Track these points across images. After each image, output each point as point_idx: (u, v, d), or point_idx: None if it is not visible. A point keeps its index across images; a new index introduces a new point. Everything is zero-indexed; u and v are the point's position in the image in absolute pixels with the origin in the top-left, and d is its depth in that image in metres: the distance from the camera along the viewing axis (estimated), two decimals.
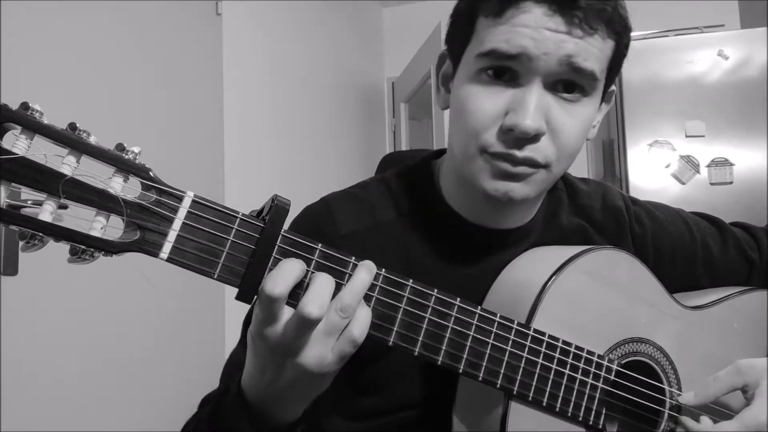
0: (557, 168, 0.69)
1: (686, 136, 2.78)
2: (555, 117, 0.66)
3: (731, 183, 2.75)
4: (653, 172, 2.81)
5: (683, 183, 2.79)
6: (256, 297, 0.54)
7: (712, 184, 2.76)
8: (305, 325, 0.52)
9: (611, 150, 3.25)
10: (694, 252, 0.88)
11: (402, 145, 3.84)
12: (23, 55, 1.42)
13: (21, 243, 0.43)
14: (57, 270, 1.47)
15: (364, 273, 0.56)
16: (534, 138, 0.65)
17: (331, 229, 0.75)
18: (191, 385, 1.94)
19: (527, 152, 0.65)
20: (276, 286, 0.51)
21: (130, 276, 1.69)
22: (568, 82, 0.66)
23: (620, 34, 0.67)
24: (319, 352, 0.55)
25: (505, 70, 0.65)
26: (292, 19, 2.77)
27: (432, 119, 3.25)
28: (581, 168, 3.36)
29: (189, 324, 1.96)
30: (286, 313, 0.54)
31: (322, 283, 0.54)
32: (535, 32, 0.62)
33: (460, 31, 0.70)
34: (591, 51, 0.64)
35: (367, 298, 0.57)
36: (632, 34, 0.71)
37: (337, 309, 0.54)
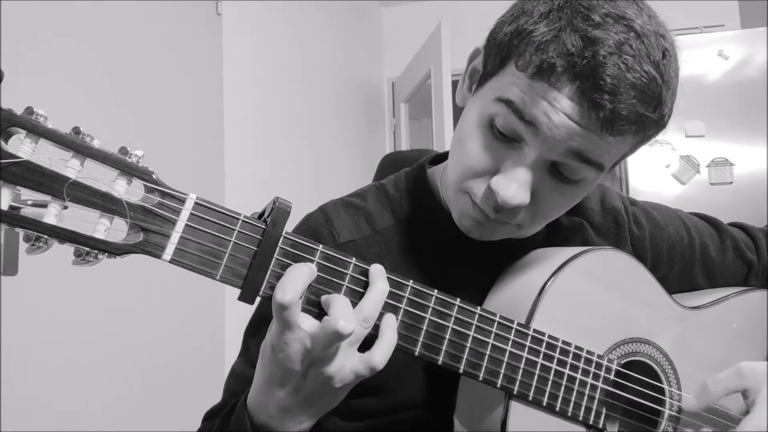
0: (528, 230, 0.69)
1: (686, 136, 2.78)
2: (543, 192, 0.64)
3: (731, 183, 2.75)
4: (653, 172, 2.81)
5: (683, 183, 2.79)
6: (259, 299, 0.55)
7: (712, 184, 2.76)
8: (336, 338, 0.53)
9: None
10: (691, 253, 0.87)
11: (402, 145, 3.83)
12: (22, 55, 1.42)
13: (26, 245, 0.44)
14: (57, 270, 1.46)
15: (382, 283, 0.57)
16: (513, 208, 0.64)
17: (329, 239, 0.76)
18: (191, 384, 1.94)
19: (501, 215, 0.65)
20: (286, 293, 0.52)
21: (129, 277, 1.69)
22: (570, 166, 0.62)
23: (653, 132, 0.63)
24: (340, 362, 0.56)
25: (513, 128, 0.62)
26: (292, 19, 2.77)
27: (432, 119, 3.25)
28: None
29: (189, 324, 1.96)
30: (305, 319, 0.55)
31: (344, 300, 0.55)
32: (554, 112, 0.58)
33: (492, 58, 0.65)
34: (605, 149, 0.61)
35: None
36: None
37: (360, 320, 0.56)
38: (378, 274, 0.58)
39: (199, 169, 2.06)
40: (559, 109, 0.58)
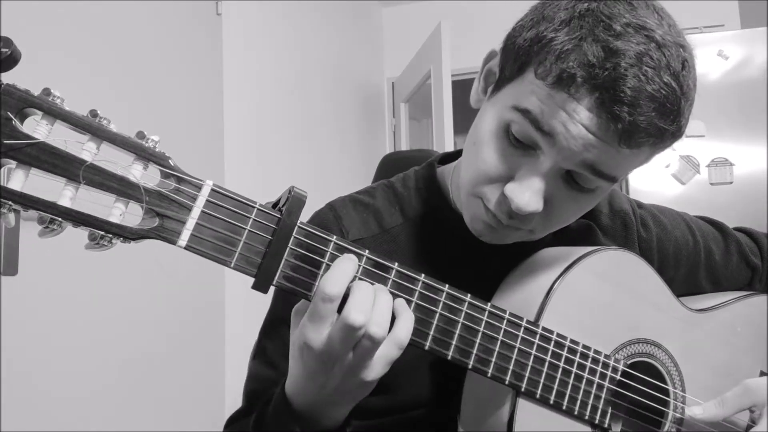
0: (540, 234, 0.69)
1: (686, 136, 2.76)
2: (557, 199, 0.64)
3: (731, 183, 2.75)
4: (653, 173, 2.81)
5: (683, 183, 2.79)
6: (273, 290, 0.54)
7: (712, 184, 2.77)
8: (350, 332, 0.53)
9: None
10: (696, 257, 0.88)
11: (402, 145, 3.84)
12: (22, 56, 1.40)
13: (39, 228, 0.43)
14: (57, 270, 1.46)
15: (384, 295, 0.56)
16: (527, 215, 0.64)
17: (338, 235, 0.75)
18: (191, 384, 1.94)
19: (514, 221, 0.65)
20: (335, 285, 0.52)
21: (129, 277, 1.69)
22: (584, 175, 0.62)
23: (669, 144, 0.62)
24: (364, 357, 0.55)
25: (529, 137, 0.61)
26: (292, 19, 2.77)
27: (432, 119, 3.25)
28: None
29: (189, 325, 1.96)
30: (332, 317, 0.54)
31: (365, 291, 0.54)
32: (572, 124, 0.58)
33: (510, 63, 0.64)
34: (619, 161, 0.60)
35: None
36: None
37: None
38: (381, 289, 0.57)
39: (199, 169, 2.04)
40: (577, 120, 0.58)
